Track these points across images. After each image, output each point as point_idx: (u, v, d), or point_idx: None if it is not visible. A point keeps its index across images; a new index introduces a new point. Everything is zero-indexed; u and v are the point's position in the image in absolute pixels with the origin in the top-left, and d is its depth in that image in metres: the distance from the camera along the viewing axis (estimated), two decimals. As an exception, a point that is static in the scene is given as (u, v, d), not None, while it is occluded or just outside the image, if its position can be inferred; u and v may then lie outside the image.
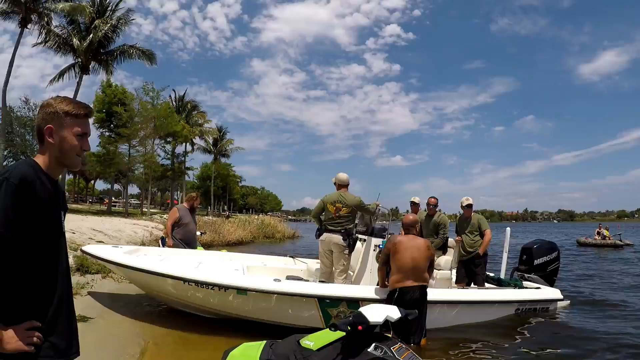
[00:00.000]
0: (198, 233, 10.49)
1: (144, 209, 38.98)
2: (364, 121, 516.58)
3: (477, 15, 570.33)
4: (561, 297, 8.34)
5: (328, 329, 3.48)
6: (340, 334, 3.43)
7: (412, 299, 5.32)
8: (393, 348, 3.33)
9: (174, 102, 44.88)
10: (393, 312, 3.63)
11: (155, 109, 32.92)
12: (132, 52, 29.00)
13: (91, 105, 1.99)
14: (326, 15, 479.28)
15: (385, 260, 5.80)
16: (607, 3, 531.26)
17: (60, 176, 2.06)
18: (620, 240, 29.51)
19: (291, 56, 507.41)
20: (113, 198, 45.23)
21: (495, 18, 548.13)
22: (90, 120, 1.98)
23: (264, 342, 3.69)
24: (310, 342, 3.48)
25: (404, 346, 3.43)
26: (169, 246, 8.11)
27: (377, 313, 3.55)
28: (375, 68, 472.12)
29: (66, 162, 1.87)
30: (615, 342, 6.53)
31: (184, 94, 48.25)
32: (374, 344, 3.36)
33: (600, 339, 6.72)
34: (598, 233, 31.06)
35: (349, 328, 3.35)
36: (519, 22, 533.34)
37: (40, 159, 1.83)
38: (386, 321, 3.54)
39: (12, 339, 1.61)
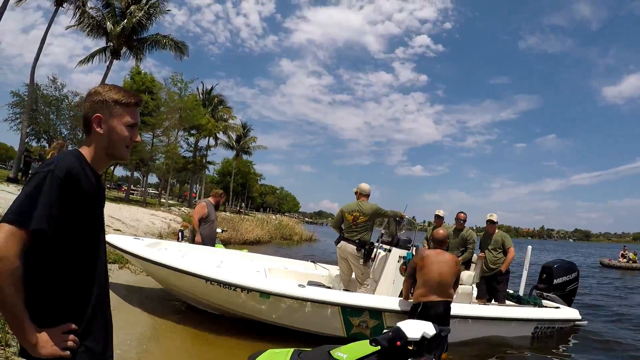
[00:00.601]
0: (219, 230, 10.49)
1: (162, 200, 39.11)
2: (388, 129, 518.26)
3: (506, 31, 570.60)
4: (579, 317, 8.34)
5: (368, 342, 3.44)
6: (373, 348, 3.38)
7: (435, 314, 5.25)
8: None
9: (200, 95, 44.72)
10: (429, 329, 3.58)
11: (182, 100, 32.82)
12: (165, 42, 28.83)
13: None
14: (358, 21, 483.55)
15: (412, 273, 5.73)
16: (635, 27, 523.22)
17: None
18: None
19: (320, 59, 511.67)
20: (132, 186, 45.49)
21: (524, 35, 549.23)
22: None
23: (292, 350, 3.63)
24: (343, 354, 3.42)
25: None
26: (198, 242, 8.05)
27: (415, 329, 3.50)
28: (402, 77, 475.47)
29: (115, 153, 1.76)
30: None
31: (212, 88, 48.20)
32: None
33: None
34: (623, 255, 30.32)
35: (387, 343, 3.32)
36: (547, 41, 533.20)
37: (85, 151, 1.72)
38: (423, 338, 3.50)
39: (47, 343, 1.51)
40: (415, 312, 5.40)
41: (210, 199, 8.57)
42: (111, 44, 27.50)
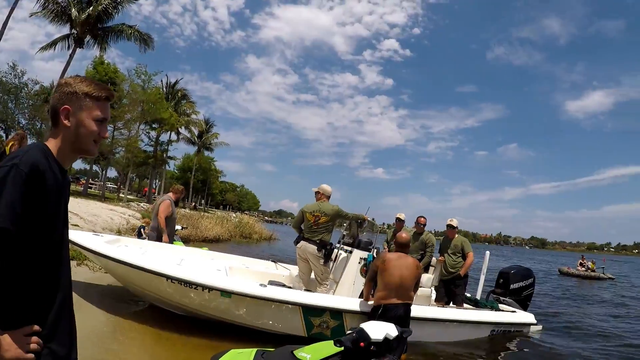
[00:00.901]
0: (179, 227, 10.37)
1: (121, 195, 38.38)
2: (351, 130, 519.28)
3: (475, 40, 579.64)
4: (535, 321, 8.60)
5: (332, 343, 3.47)
6: (337, 348, 3.42)
7: (395, 316, 5.29)
8: None
9: (164, 88, 44.05)
10: (391, 330, 3.64)
11: (145, 92, 32.38)
12: (130, 32, 28.26)
13: None
14: (328, 21, 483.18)
15: (373, 276, 5.79)
16: (602, 46, 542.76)
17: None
18: (604, 274, 29.73)
19: (287, 57, 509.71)
20: (90, 180, 44.50)
21: (493, 46, 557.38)
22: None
23: (255, 350, 3.64)
24: (307, 354, 3.45)
25: None
26: (166, 242, 7.95)
27: (378, 330, 3.56)
28: (368, 80, 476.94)
29: (82, 147, 1.68)
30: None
31: (177, 81, 47.47)
32: None
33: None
34: (581, 264, 31.31)
35: (351, 344, 3.36)
36: (515, 53, 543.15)
37: (52, 144, 1.64)
38: (385, 339, 3.55)
39: (11, 346, 1.43)
40: (376, 314, 5.44)
41: (171, 195, 8.44)
42: (75, 31, 26.81)
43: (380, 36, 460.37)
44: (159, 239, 8.06)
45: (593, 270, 30.27)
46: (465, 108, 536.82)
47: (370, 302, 5.84)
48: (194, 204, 58.37)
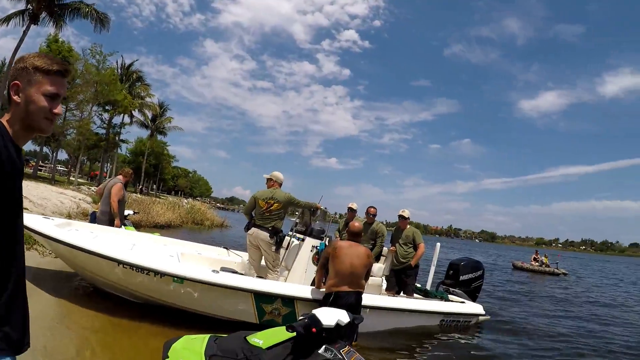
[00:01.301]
0: (130, 212, 10.24)
1: (72, 178, 37.39)
2: (306, 119, 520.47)
3: (434, 37, 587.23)
4: (483, 312, 8.83)
5: (284, 328, 3.52)
6: (289, 334, 3.48)
7: (347, 304, 5.37)
8: (342, 350, 3.43)
9: (119, 70, 42.96)
10: (343, 317, 3.72)
11: (99, 73, 31.57)
12: (87, 11, 27.49)
13: None
14: (289, 8, 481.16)
15: (324, 263, 5.88)
16: (559, 49, 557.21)
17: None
18: (557, 269, 29.87)
19: (245, 43, 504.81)
20: (40, 162, 43.10)
21: (451, 43, 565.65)
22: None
23: (208, 336, 3.66)
24: (259, 340, 3.50)
25: (352, 349, 3.53)
26: (117, 226, 7.87)
27: (330, 316, 3.63)
28: (325, 69, 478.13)
29: (32, 125, 1.59)
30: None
31: (132, 63, 46.36)
32: (324, 346, 3.45)
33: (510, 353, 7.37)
34: (535, 259, 31.50)
35: (303, 330, 3.42)
36: (472, 51, 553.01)
37: (6, 122, 1.57)
38: (337, 325, 3.63)
39: None
40: (327, 301, 5.52)
41: (121, 178, 8.36)
42: (30, 7, 25.93)
43: (340, 26, 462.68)
44: (110, 222, 7.96)
45: (547, 265, 30.41)
46: (420, 102, 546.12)
47: (322, 290, 5.92)
48: (140, 187, 57.17)
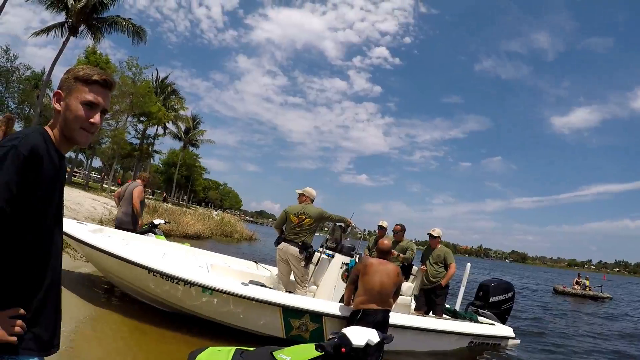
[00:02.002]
0: (162, 221, 10.36)
1: (105, 185, 38.07)
2: (337, 135, 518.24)
3: (464, 52, 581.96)
4: (513, 335, 8.64)
5: (313, 346, 3.47)
6: (317, 353, 3.42)
7: (374, 322, 5.30)
8: None
9: (154, 82, 43.92)
10: (373, 336, 3.65)
11: (134, 85, 32.25)
12: (124, 24, 28.18)
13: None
14: (320, 26, 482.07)
15: (354, 280, 5.80)
16: (590, 63, 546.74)
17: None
18: (601, 292, 28.30)
19: (277, 59, 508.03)
20: (75, 168, 44.08)
21: (481, 58, 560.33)
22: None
23: (234, 348, 3.61)
24: (286, 356, 3.43)
25: None
26: (141, 226, 8.04)
27: (360, 336, 3.57)
28: (356, 86, 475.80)
29: (69, 134, 1.62)
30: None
31: (167, 76, 47.29)
32: None
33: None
34: (577, 283, 29.80)
35: (333, 350, 3.36)
36: (502, 66, 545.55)
37: (50, 129, 1.62)
38: (367, 345, 3.56)
39: None
40: (355, 318, 5.46)
41: (139, 182, 8.57)
42: (70, 20, 26.65)
43: (370, 43, 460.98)
44: (134, 223, 8.15)
45: (590, 289, 28.74)
46: (451, 118, 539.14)
47: (350, 307, 5.85)
48: (165, 194, 57.86)
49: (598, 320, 17.29)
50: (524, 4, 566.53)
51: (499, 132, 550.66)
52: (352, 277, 5.91)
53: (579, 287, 29.13)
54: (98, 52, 31.96)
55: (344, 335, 3.54)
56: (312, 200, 7.22)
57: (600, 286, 30.09)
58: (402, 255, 8.18)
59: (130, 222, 8.19)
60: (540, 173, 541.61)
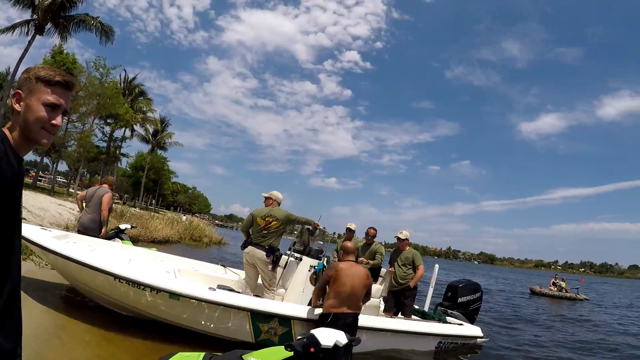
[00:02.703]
0: (128, 226, 10.23)
1: (71, 190, 37.37)
2: (306, 139, 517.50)
3: (435, 59, 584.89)
4: (481, 334, 8.77)
5: (282, 348, 3.48)
6: (287, 353, 3.44)
7: (344, 325, 5.35)
8: None
9: (122, 83, 43.38)
10: (341, 338, 3.69)
11: (102, 86, 31.76)
12: (93, 23, 27.75)
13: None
14: (292, 29, 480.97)
15: (324, 285, 5.83)
16: (557, 71, 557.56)
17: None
18: (578, 294, 28.60)
19: (248, 61, 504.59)
20: (40, 172, 43.11)
21: (452, 65, 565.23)
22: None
23: (202, 354, 3.61)
24: (256, 359, 3.45)
25: None
26: (104, 234, 7.89)
27: (328, 337, 3.60)
28: (327, 89, 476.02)
29: (30, 135, 1.55)
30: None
31: (134, 77, 46.89)
32: None
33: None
34: (554, 284, 30.25)
35: (302, 349, 3.39)
36: (473, 73, 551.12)
37: (8, 130, 1.55)
38: (335, 346, 3.59)
39: None
40: (324, 322, 5.48)
41: (107, 187, 8.42)
42: (36, 17, 26.12)
43: (342, 47, 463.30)
44: (99, 231, 7.98)
45: (566, 291, 29.18)
46: (421, 123, 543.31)
47: (319, 310, 5.87)
48: (123, 198, 57.06)
49: (568, 319, 17.64)
50: (497, 14, 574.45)
51: (469, 137, 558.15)
52: (321, 282, 5.91)
53: (556, 289, 29.63)
54: (65, 51, 31.38)
55: (313, 336, 3.57)
56: (278, 204, 7.22)
57: (577, 288, 30.56)
58: (371, 262, 8.26)
59: (97, 229, 8.04)
60: (508, 177, 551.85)
